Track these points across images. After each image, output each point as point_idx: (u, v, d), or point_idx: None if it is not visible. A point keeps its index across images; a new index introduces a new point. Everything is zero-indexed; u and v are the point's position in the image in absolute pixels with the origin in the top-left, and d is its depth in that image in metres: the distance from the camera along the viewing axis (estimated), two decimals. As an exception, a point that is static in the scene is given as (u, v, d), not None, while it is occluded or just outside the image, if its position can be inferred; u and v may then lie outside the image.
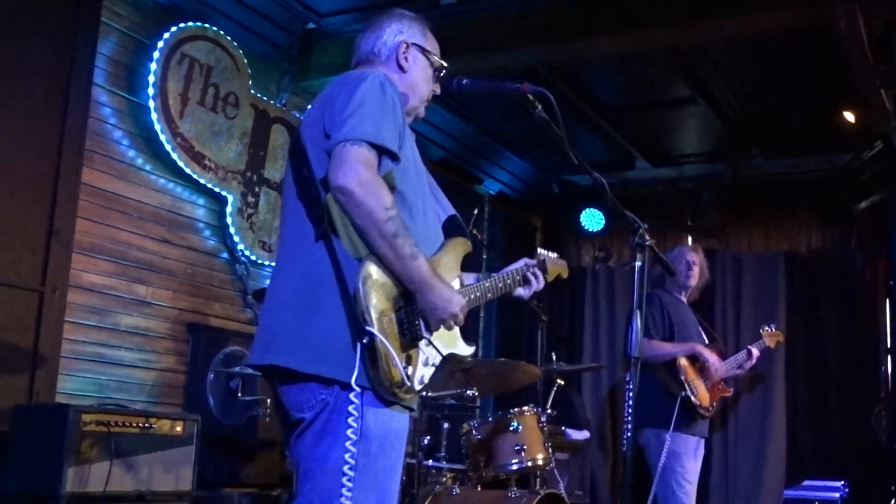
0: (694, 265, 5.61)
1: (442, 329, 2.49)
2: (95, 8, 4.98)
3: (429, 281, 2.38)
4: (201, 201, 5.67)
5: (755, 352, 5.83)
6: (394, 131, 2.42)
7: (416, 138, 2.69)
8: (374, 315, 2.29)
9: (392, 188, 2.41)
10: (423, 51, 2.74)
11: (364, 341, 2.28)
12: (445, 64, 2.79)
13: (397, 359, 2.31)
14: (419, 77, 2.72)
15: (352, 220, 2.33)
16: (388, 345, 2.29)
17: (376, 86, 2.43)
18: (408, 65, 2.71)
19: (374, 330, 2.28)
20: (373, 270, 2.32)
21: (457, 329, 2.57)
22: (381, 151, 2.37)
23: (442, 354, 2.50)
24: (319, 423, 2.34)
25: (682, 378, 5.25)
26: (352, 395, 2.29)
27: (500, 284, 2.85)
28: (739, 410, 7.57)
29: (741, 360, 5.79)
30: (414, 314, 2.40)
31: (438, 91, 2.80)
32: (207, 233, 5.72)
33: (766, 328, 6.14)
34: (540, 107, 2.69)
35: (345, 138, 2.32)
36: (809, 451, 7.51)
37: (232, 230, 5.77)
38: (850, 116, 6.55)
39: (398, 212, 2.33)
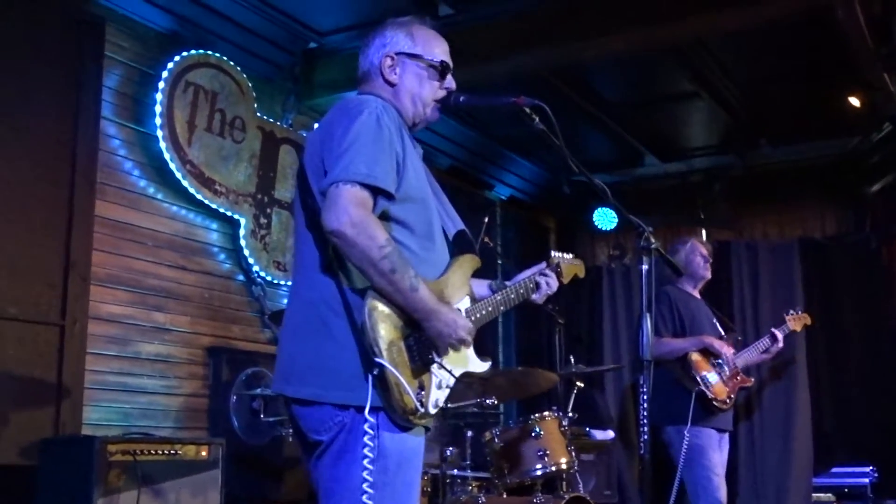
0: (709, 259, 5.69)
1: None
2: (99, 41, 5.04)
3: (432, 309, 2.38)
4: (214, 225, 5.72)
5: (779, 335, 5.81)
6: (389, 166, 2.39)
7: (424, 148, 2.65)
8: (383, 346, 2.31)
9: (390, 219, 2.42)
10: (411, 56, 2.66)
11: (375, 373, 2.30)
12: (440, 58, 2.68)
13: (408, 387, 2.33)
14: (413, 84, 2.64)
15: (349, 260, 2.34)
16: (399, 374, 2.31)
17: (372, 120, 2.40)
18: (396, 76, 2.63)
19: (384, 361, 2.29)
20: (378, 302, 2.34)
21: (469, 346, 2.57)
22: (376, 191, 2.35)
23: (455, 376, 2.50)
24: (337, 445, 2.36)
25: (694, 373, 5.26)
26: (367, 415, 2.31)
27: (513, 296, 2.82)
28: (763, 400, 7.53)
29: (764, 346, 5.78)
30: (423, 340, 2.41)
31: (453, 86, 2.70)
32: (222, 256, 5.77)
33: (791, 312, 6.11)
34: (537, 119, 2.71)
35: (336, 179, 2.31)
36: (836, 438, 7.46)
37: (246, 252, 5.82)
38: (855, 101, 6.53)
39: (394, 247, 2.32)
